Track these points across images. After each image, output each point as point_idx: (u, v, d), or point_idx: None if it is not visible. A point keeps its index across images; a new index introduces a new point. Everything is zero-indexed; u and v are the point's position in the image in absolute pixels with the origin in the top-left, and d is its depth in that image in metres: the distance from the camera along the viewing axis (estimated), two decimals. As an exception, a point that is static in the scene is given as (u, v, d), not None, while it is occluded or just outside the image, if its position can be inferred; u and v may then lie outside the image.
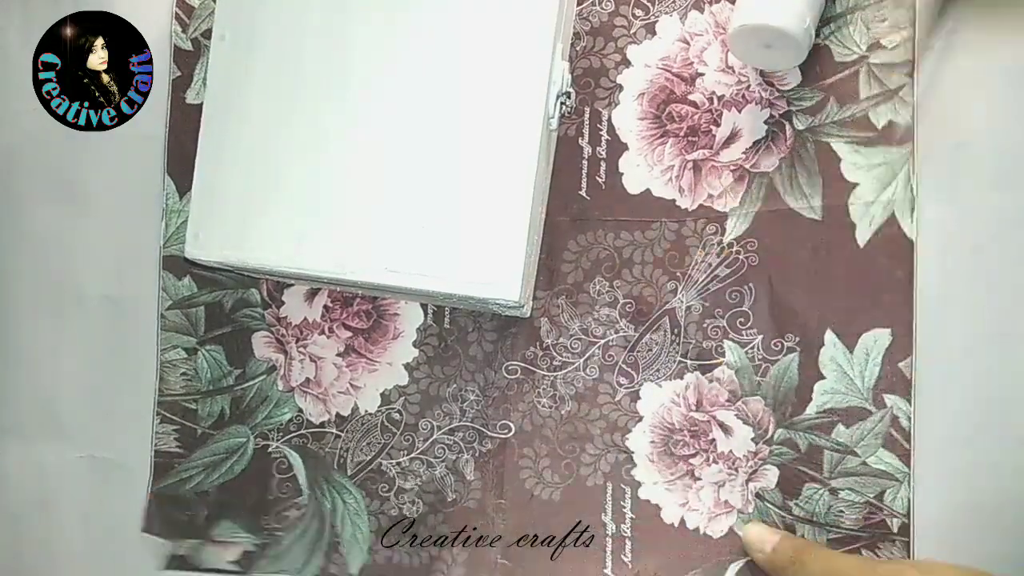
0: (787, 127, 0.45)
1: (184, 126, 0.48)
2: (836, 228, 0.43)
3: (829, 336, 0.43)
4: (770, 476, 0.44)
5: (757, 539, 0.42)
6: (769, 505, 0.44)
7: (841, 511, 0.43)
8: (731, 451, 0.44)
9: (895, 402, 0.43)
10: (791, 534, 0.43)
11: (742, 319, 0.45)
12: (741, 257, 0.45)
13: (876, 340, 0.43)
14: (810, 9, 0.41)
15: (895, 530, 0.43)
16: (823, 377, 0.43)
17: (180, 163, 0.48)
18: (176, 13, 0.48)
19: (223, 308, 0.48)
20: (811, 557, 0.40)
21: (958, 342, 0.42)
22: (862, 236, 0.43)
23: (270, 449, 0.47)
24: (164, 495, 0.48)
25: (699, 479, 0.45)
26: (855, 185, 0.43)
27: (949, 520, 0.43)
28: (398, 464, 0.47)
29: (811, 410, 0.43)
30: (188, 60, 0.48)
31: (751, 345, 0.44)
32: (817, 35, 0.44)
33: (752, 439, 0.44)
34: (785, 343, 0.44)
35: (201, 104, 0.41)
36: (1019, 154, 0.42)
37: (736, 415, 0.44)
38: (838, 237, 0.43)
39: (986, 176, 0.43)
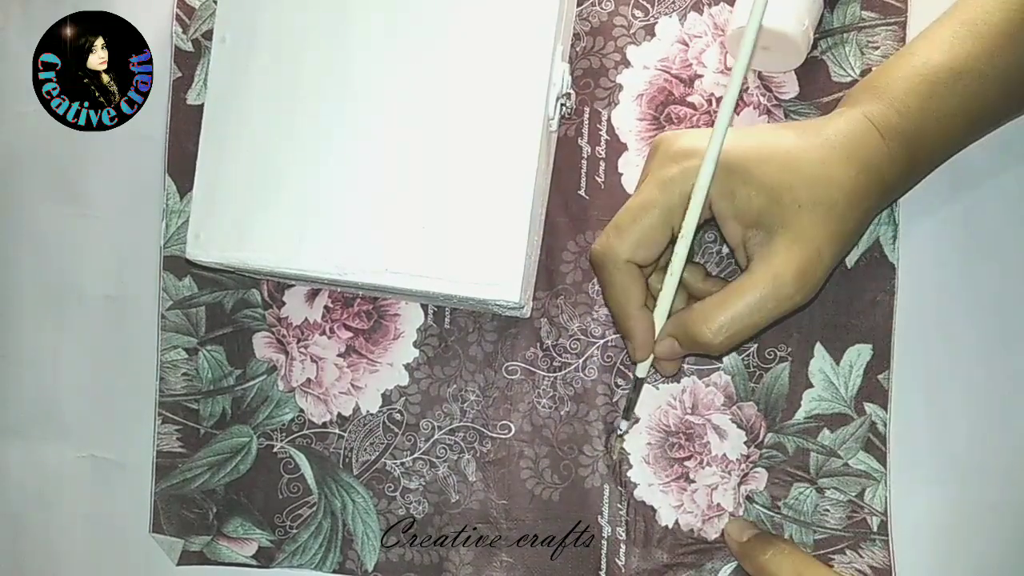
0: None
1: (185, 127, 0.48)
2: None
3: (818, 348, 0.45)
4: (760, 478, 0.45)
5: (737, 530, 0.44)
6: (759, 507, 0.45)
7: (827, 510, 0.44)
8: (724, 454, 0.45)
9: (874, 410, 0.44)
10: (769, 532, 0.44)
11: None
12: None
13: (859, 354, 0.45)
14: (808, 12, 0.41)
15: (875, 528, 0.44)
16: (812, 386, 0.45)
17: (181, 164, 0.48)
18: (177, 14, 0.48)
19: (224, 308, 0.48)
20: (782, 549, 0.41)
21: (932, 358, 0.45)
22: (850, 258, 0.45)
23: (275, 449, 0.48)
24: (169, 494, 0.48)
25: (693, 481, 0.45)
26: None
27: (926, 518, 0.44)
28: (402, 464, 0.47)
29: (799, 416, 0.45)
30: (189, 61, 0.48)
31: (747, 352, 0.45)
32: (816, 47, 0.45)
33: (744, 442, 0.45)
34: (778, 352, 0.45)
35: (202, 105, 0.41)
36: (990, 195, 0.45)
37: (731, 419, 0.45)
38: None
39: (960, 212, 0.45)
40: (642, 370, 0.42)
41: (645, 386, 0.46)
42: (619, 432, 0.45)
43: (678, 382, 0.45)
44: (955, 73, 0.37)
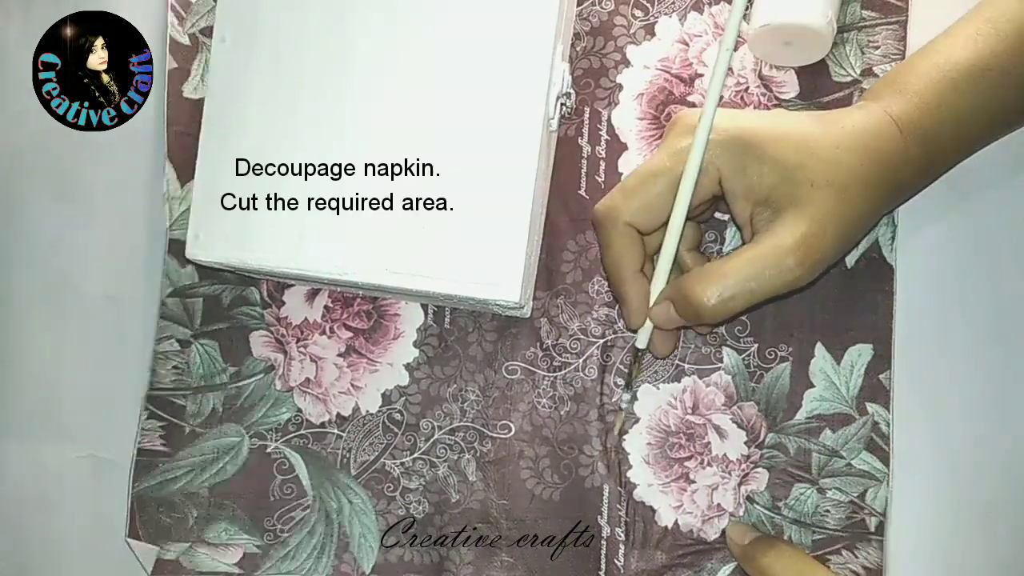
0: None
1: (180, 119, 0.47)
2: None
3: (819, 348, 0.45)
4: (761, 479, 0.45)
5: (738, 534, 0.44)
6: (759, 508, 0.45)
7: (827, 510, 0.44)
8: (725, 454, 0.45)
9: (876, 410, 0.44)
10: (770, 534, 0.44)
11: (740, 327, 0.45)
12: None
13: (860, 354, 0.45)
14: (831, 4, 0.41)
15: (872, 529, 0.44)
16: (812, 386, 0.45)
17: (179, 157, 0.47)
18: (172, 5, 0.48)
19: (221, 303, 0.48)
20: (783, 551, 0.42)
21: (932, 358, 0.45)
22: (851, 257, 0.45)
23: (268, 450, 0.47)
24: (147, 497, 0.47)
25: (693, 482, 0.45)
26: None
27: (923, 519, 0.44)
28: (401, 464, 0.47)
29: (800, 416, 0.45)
30: (185, 54, 0.48)
31: (748, 352, 0.45)
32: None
33: (745, 443, 0.45)
34: (779, 352, 0.45)
35: (199, 99, 0.41)
36: (987, 195, 0.45)
37: (731, 419, 0.45)
38: None
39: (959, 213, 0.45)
40: (641, 340, 0.42)
41: (645, 386, 0.46)
42: (622, 406, 0.45)
43: (678, 382, 0.45)
44: (977, 71, 0.38)
